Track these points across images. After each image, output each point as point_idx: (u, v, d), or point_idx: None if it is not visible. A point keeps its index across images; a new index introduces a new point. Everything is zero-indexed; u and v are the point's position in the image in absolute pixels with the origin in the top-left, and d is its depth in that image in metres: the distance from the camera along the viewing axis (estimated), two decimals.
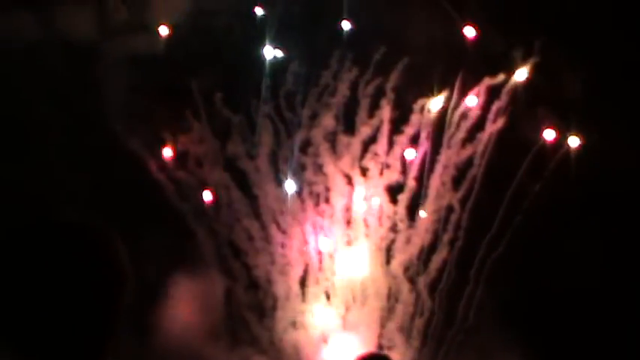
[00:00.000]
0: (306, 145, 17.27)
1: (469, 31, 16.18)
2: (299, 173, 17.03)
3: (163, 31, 16.52)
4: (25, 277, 2.04)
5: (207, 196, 16.60)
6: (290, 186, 16.59)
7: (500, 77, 16.31)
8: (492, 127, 16.32)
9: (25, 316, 2.02)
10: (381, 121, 17.14)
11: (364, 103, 17.25)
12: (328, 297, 16.20)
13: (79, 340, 2.05)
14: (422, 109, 16.97)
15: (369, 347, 15.18)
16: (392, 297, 16.05)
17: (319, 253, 16.44)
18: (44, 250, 2.07)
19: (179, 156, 16.90)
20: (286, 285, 16.22)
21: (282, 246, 16.44)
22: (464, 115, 16.61)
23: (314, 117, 17.38)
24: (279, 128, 17.28)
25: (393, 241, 16.48)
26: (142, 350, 14.80)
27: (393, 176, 16.85)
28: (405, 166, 16.86)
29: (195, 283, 16.01)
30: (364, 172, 17.08)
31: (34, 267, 2.04)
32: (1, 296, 2.04)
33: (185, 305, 15.86)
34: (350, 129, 17.25)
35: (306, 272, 16.38)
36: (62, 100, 15.97)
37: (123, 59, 16.41)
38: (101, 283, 2.09)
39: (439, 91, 16.72)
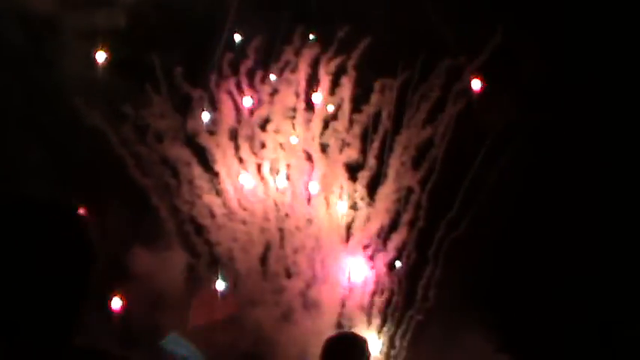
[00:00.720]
0: (266, 122, 17.30)
1: (476, 84, 16.37)
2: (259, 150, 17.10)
3: (100, 57, 16.36)
4: None
5: (117, 303, 15.66)
6: (220, 285, 16.30)
7: (462, 59, 16.50)
8: (453, 108, 16.54)
9: None
10: (342, 99, 17.24)
11: (325, 81, 17.32)
12: (289, 275, 16.32)
13: (49, 317, 2.08)
14: (382, 88, 17.09)
15: (330, 326, 15.36)
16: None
17: (280, 230, 16.55)
18: (14, 226, 2.10)
19: (140, 130, 16.81)
20: (247, 262, 16.31)
21: (244, 223, 16.50)
22: (424, 96, 16.78)
23: (274, 93, 17.41)
24: (240, 104, 17.28)
25: (352, 219, 16.67)
26: (103, 323, 14.81)
27: (353, 154, 16.97)
28: (365, 144, 17.01)
29: (156, 258, 16.01)
30: (324, 148, 17.19)
31: (4, 244, 2.07)
32: None
33: (146, 280, 15.85)
34: (310, 106, 17.34)
35: (267, 249, 16.47)
36: (21, 74, 15.73)
37: (83, 33, 16.21)
38: (71, 260, 2.12)
39: (402, 72, 16.87)
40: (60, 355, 2.05)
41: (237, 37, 17.41)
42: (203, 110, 17.09)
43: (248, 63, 17.32)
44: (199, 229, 16.37)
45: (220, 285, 16.08)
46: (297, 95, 17.34)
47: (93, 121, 16.15)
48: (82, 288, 2.14)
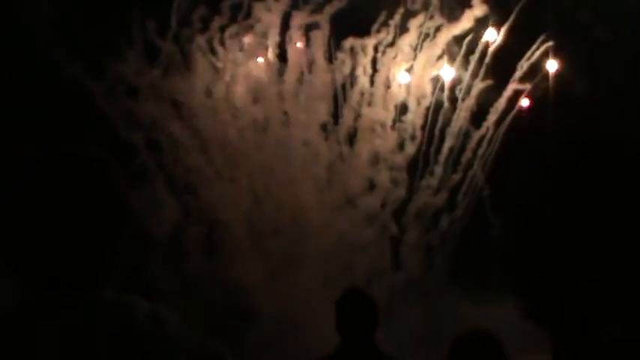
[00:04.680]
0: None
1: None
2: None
3: None
4: (33, 205, 2.07)
5: None
6: None
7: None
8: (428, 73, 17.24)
9: (31, 242, 2.07)
10: (314, 55, 17.55)
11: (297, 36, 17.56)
12: (275, 232, 16.79)
13: (78, 269, 2.09)
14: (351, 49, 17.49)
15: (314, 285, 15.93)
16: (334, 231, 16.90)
17: (265, 186, 16.94)
18: (54, 178, 2.09)
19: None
20: (235, 218, 16.66)
21: (232, 179, 16.80)
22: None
23: (245, 49, 17.52)
24: (214, 61, 17.34)
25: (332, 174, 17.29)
26: None
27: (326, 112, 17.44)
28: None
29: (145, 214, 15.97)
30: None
31: (44, 195, 2.07)
32: (12, 224, 2.08)
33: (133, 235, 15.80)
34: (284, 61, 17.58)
35: (253, 206, 16.87)
36: None
37: None
38: (103, 216, 2.12)
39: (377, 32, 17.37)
40: (89, 307, 2.08)
41: None
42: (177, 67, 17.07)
43: (220, 19, 17.31)
44: (188, 186, 16.59)
45: None
46: (268, 50, 17.51)
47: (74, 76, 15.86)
48: (113, 244, 2.14)
